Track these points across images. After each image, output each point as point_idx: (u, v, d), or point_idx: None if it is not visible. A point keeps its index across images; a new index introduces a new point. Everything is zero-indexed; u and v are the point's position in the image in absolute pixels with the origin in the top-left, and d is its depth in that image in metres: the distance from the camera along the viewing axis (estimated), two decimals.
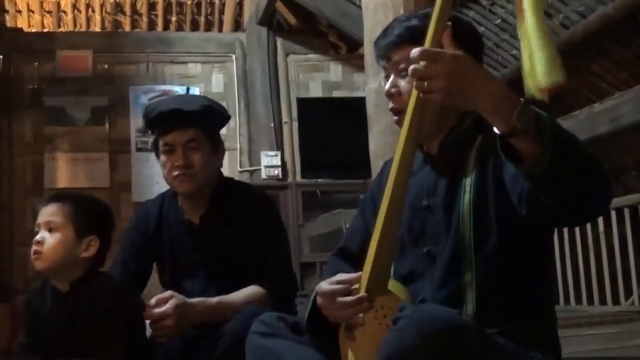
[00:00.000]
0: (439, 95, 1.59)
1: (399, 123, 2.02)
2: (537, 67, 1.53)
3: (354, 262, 2.11)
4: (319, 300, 1.97)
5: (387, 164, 2.27)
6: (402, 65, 1.99)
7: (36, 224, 2.53)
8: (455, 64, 1.56)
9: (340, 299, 1.90)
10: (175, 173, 2.77)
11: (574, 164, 1.58)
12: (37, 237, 2.49)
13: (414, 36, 1.95)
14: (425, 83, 1.58)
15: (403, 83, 1.99)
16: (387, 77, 2.07)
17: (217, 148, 2.87)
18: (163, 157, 2.81)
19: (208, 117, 2.82)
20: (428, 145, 2.07)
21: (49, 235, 2.49)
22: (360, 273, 1.90)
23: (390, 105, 2.05)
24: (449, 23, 1.68)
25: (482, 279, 1.88)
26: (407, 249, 2.05)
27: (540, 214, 1.73)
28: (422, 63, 1.58)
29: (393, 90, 2.03)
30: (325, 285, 1.95)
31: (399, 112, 2.01)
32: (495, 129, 1.60)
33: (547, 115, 1.57)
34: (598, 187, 1.64)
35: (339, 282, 1.93)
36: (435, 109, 1.91)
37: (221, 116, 2.92)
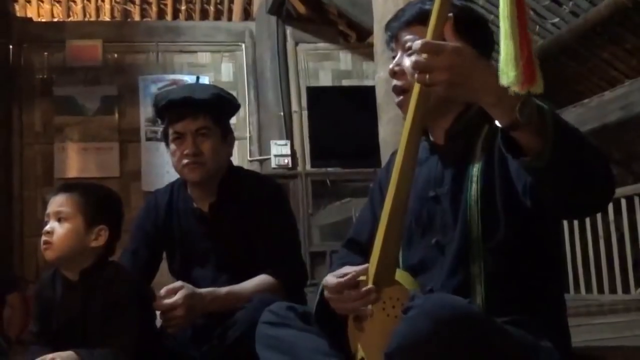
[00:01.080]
0: (441, 88, 1.58)
1: (401, 103, 2.02)
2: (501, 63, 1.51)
3: (364, 252, 2.10)
4: (326, 293, 1.97)
5: (394, 155, 2.27)
6: (409, 44, 1.99)
7: (46, 214, 2.54)
8: (456, 56, 1.55)
9: (347, 291, 1.90)
10: (185, 161, 2.77)
11: (576, 158, 1.57)
12: (47, 228, 2.50)
13: (426, 18, 1.95)
14: (427, 75, 1.58)
15: (408, 62, 1.98)
16: (394, 59, 2.07)
17: (226, 137, 2.87)
18: (173, 146, 2.81)
19: (218, 105, 2.82)
20: (434, 135, 2.06)
21: (58, 226, 2.49)
22: (367, 265, 1.90)
23: (394, 83, 2.05)
24: (451, 15, 1.67)
25: (490, 269, 1.88)
26: (415, 240, 2.05)
27: (544, 206, 1.73)
28: (424, 55, 1.58)
29: (397, 68, 2.03)
30: (331, 278, 1.95)
31: (401, 91, 2.01)
32: (497, 122, 1.60)
33: (549, 108, 1.56)
34: (600, 181, 1.63)
35: (345, 275, 1.93)
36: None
37: (231, 105, 2.93)
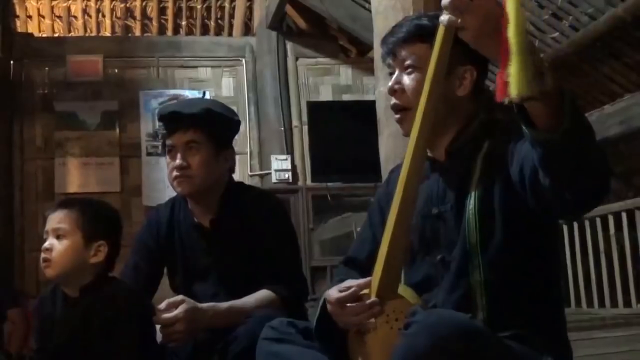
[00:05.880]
0: (470, 34, 1.58)
1: (401, 121, 2.02)
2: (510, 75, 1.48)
3: (363, 271, 2.10)
4: (329, 307, 1.96)
5: (393, 173, 2.26)
6: (408, 62, 1.99)
7: (44, 231, 2.53)
8: (493, 7, 1.53)
9: (350, 304, 1.90)
10: (174, 174, 2.78)
11: (587, 138, 1.55)
12: (46, 245, 2.49)
13: (423, 34, 1.96)
14: (459, 20, 1.57)
15: (407, 80, 1.99)
16: (391, 75, 2.07)
17: (221, 152, 2.86)
18: (167, 159, 2.84)
19: (208, 119, 2.81)
20: (435, 152, 2.06)
21: (57, 242, 2.49)
22: (369, 278, 1.90)
23: (393, 101, 2.04)
24: None
25: (491, 282, 1.87)
26: (418, 258, 2.04)
27: (544, 196, 1.69)
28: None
29: (397, 86, 2.02)
30: (334, 291, 1.94)
31: (400, 109, 2.01)
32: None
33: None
34: (602, 168, 1.60)
35: (348, 288, 1.92)
36: (439, 109, 1.89)
37: (223, 119, 2.90)
